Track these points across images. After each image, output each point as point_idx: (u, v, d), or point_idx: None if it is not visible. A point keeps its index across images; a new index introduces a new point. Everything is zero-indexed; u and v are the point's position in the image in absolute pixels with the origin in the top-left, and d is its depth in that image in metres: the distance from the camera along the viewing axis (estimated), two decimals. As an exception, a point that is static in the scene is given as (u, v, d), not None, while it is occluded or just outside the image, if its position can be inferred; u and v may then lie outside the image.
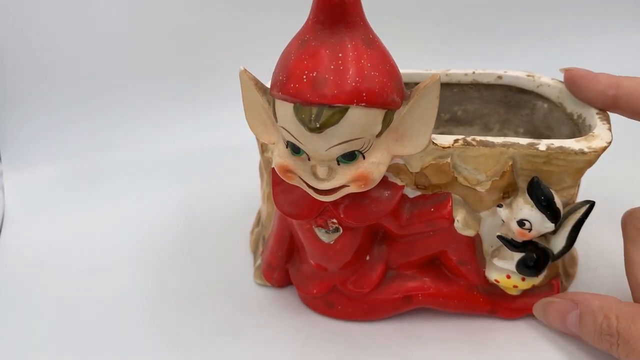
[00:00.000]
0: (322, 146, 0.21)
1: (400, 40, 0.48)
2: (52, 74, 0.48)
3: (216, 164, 0.45)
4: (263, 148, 0.29)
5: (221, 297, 0.32)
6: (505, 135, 0.33)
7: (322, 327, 0.29)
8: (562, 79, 0.30)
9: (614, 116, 0.26)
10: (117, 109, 0.50)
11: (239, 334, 0.29)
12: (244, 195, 0.39)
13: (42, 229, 0.39)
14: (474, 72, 0.31)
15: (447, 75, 0.31)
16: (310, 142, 0.21)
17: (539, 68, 0.32)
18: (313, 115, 0.20)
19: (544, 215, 0.24)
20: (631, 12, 0.58)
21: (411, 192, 0.26)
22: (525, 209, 0.24)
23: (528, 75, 0.30)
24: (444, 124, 0.33)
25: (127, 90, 0.50)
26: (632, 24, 0.58)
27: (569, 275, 0.31)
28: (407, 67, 0.31)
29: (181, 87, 0.51)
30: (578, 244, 0.33)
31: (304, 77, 0.20)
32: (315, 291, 0.28)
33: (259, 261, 0.32)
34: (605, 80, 0.25)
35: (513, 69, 0.31)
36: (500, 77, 0.31)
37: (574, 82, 0.27)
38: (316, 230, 0.26)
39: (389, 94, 0.21)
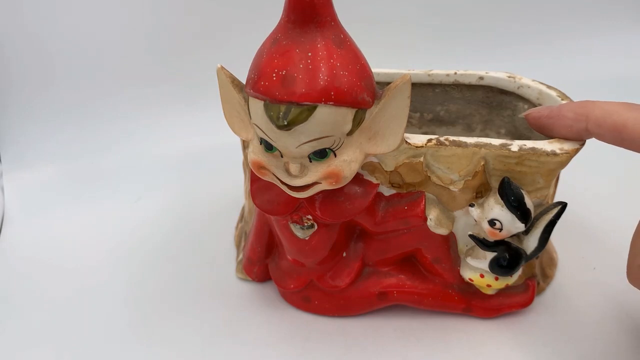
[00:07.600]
0: (292, 143, 0.21)
1: (385, 41, 0.49)
2: (52, 77, 0.48)
3: (209, 163, 0.46)
4: (245, 145, 0.30)
5: (205, 290, 0.32)
6: (487, 135, 0.33)
7: (321, 327, 0.29)
8: (542, 80, 0.30)
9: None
10: (116, 111, 0.50)
11: (235, 333, 0.29)
12: (233, 191, 0.40)
13: (41, 229, 0.39)
14: (455, 73, 0.31)
15: (429, 75, 0.31)
16: (280, 139, 0.21)
17: (521, 69, 0.32)
18: (281, 113, 0.20)
19: (514, 215, 0.24)
20: (606, 14, 0.58)
21: (386, 191, 0.26)
22: (495, 208, 0.24)
23: (509, 77, 0.30)
24: (427, 123, 0.33)
25: (125, 93, 0.51)
26: (607, 27, 0.58)
27: (547, 276, 0.31)
28: (390, 67, 0.32)
29: (175, 91, 0.52)
30: (559, 247, 0.33)
31: (274, 75, 0.20)
32: (292, 286, 0.29)
33: (240, 256, 0.32)
34: (571, 114, 0.23)
35: (496, 70, 0.31)
36: (481, 77, 0.31)
37: (539, 124, 0.25)
38: (291, 226, 0.26)
39: (359, 93, 0.21)
